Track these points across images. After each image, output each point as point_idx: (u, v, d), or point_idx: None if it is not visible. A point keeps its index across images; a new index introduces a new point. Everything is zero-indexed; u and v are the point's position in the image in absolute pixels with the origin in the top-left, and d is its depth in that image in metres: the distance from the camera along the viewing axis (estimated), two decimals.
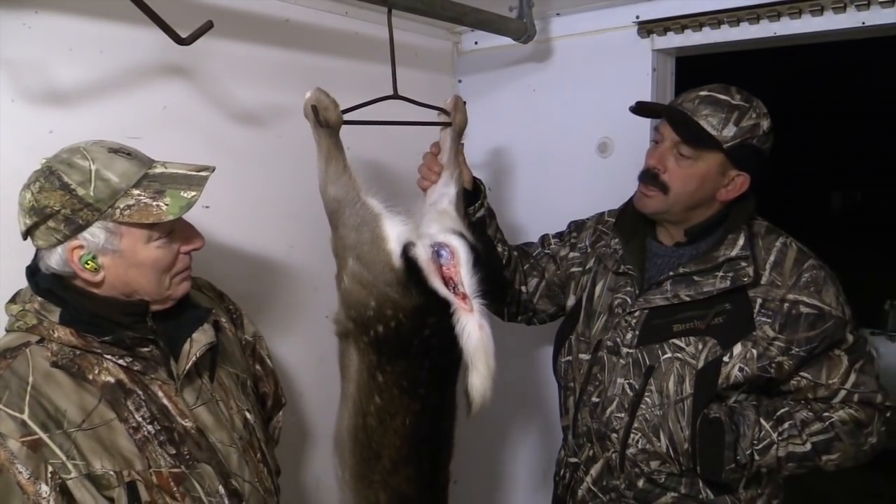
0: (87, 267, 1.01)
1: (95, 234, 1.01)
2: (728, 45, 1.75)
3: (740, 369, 1.35)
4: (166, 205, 1.02)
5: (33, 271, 1.06)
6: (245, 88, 1.54)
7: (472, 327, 1.22)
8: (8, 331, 1.04)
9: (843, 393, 1.36)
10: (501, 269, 1.65)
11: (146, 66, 1.36)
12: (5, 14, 1.16)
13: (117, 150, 1.04)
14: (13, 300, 1.06)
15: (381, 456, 1.32)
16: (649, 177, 1.42)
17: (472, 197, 1.58)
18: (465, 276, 1.26)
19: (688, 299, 1.38)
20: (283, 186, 1.63)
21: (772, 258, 1.38)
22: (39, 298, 1.03)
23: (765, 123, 1.36)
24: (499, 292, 1.68)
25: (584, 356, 1.52)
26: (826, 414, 1.36)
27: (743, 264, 1.36)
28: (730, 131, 1.34)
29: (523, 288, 1.68)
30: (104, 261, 1.03)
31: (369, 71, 1.73)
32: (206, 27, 1.16)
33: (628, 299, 1.47)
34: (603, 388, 1.47)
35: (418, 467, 1.34)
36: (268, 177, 1.61)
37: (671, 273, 1.42)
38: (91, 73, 1.28)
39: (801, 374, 1.36)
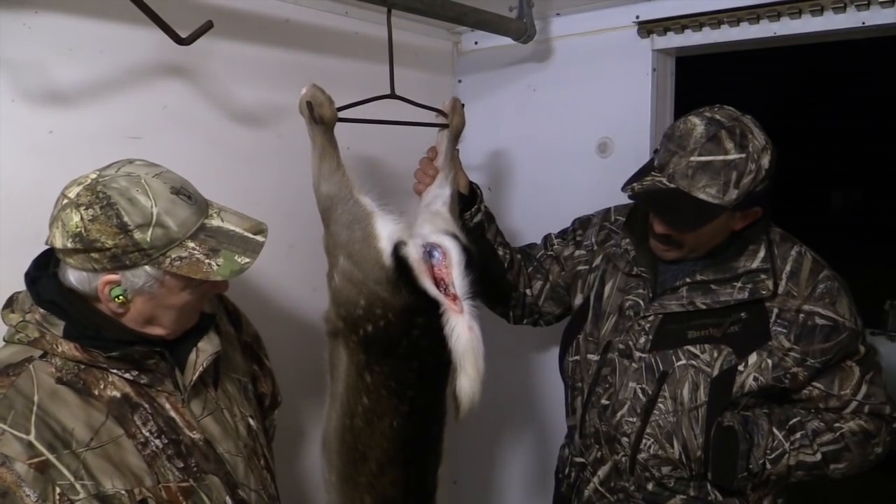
0: (117, 301, 0.98)
1: (137, 275, 0.98)
2: (728, 45, 1.75)
3: (755, 378, 1.34)
4: (218, 265, 1.00)
5: (33, 279, 1.01)
6: (245, 88, 1.54)
7: (462, 329, 1.21)
8: (7, 342, 1.01)
9: (854, 404, 1.36)
10: (504, 273, 1.64)
11: (146, 66, 1.36)
12: (5, 14, 1.16)
13: (179, 192, 1.00)
14: (10, 307, 1.02)
15: (368, 458, 1.30)
16: (660, 238, 1.39)
17: (468, 201, 1.58)
18: (457, 277, 1.25)
19: (703, 307, 1.37)
20: (283, 186, 1.63)
21: (788, 268, 1.37)
22: (41, 310, 0.98)
23: (765, 160, 1.28)
24: (502, 296, 1.67)
25: (593, 356, 1.51)
26: (837, 424, 1.36)
27: (763, 277, 1.35)
28: (732, 195, 1.27)
29: (528, 291, 1.67)
30: (135, 298, 1.00)
31: (369, 71, 1.73)
32: (206, 27, 1.16)
33: (641, 302, 1.46)
34: (613, 390, 1.46)
35: (405, 471, 1.33)
36: (268, 177, 1.61)
37: (688, 280, 1.40)
38: (91, 73, 1.28)
39: (814, 384, 1.36)
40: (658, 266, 1.47)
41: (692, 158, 1.28)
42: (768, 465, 1.35)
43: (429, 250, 1.27)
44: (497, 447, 2.30)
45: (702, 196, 1.27)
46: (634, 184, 1.34)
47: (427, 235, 1.30)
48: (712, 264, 1.40)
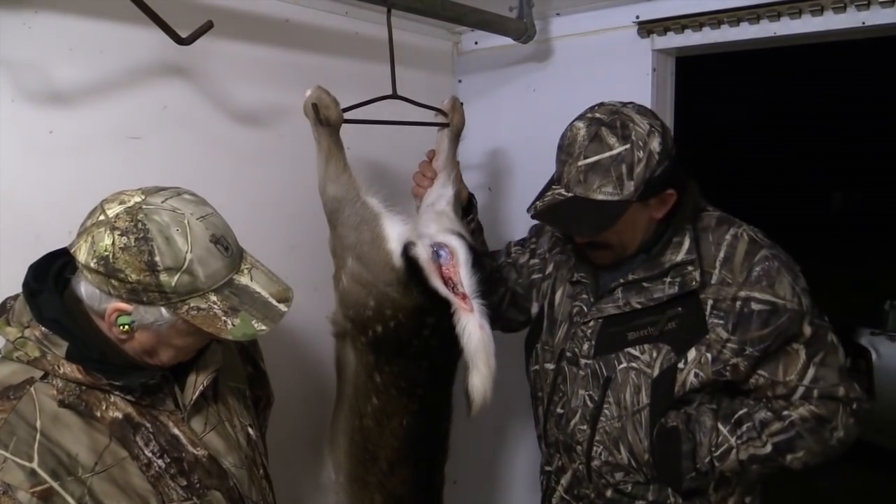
0: (121, 328, 0.95)
1: (150, 312, 0.95)
2: (728, 45, 1.75)
3: (696, 375, 1.31)
4: (233, 325, 0.96)
5: (33, 292, 0.97)
6: (245, 88, 1.54)
7: (473, 327, 1.22)
8: (4, 357, 0.96)
9: (801, 389, 1.30)
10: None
11: (146, 66, 1.36)
12: (5, 14, 1.16)
13: (218, 241, 0.97)
14: (5, 317, 0.98)
15: (378, 458, 1.32)
16: (586, 246, 1.39)
17: (464, 211, 1.59)
18: (465, 276, 1.27)
19: (639, 306, 1.34)
20: (283, 186, 1.63)
21: (721, 254, 1.32)
22: (42, 327, 0.94)
23: (654, 144, 1.25)
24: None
25: (550, 365, 1.50)
26: (786, 412, 1.31)
27: (689, 269, 1.31)
28: (629, 187, 1.24)
29: (494, 298, 1.66)
30: (140, 331, 0.97)
31: (369, 71, 1.73)
32: (206, 27, 1.17)
33: (584, 308, 1.44)
34: (566, 399, 1.45)
35: (415, 469, 1.34)
36: (268, 177, 1.61)
37: (621, 280, 1.37)
38: (91, 73, 1.28)
39: (759, 372, 1.31)
40: (598, 270, 1.44)
41: (580, 163, 1.26)
42: (716, 463, 1.31)
43: (436, 250, 1.28)
44: (497, 447, 2.30)
45: (599, 197, 1.25)
46: (537, 202, 1.32)
47: (434, 235, 1.31)
48: (644, 261, 1.36)
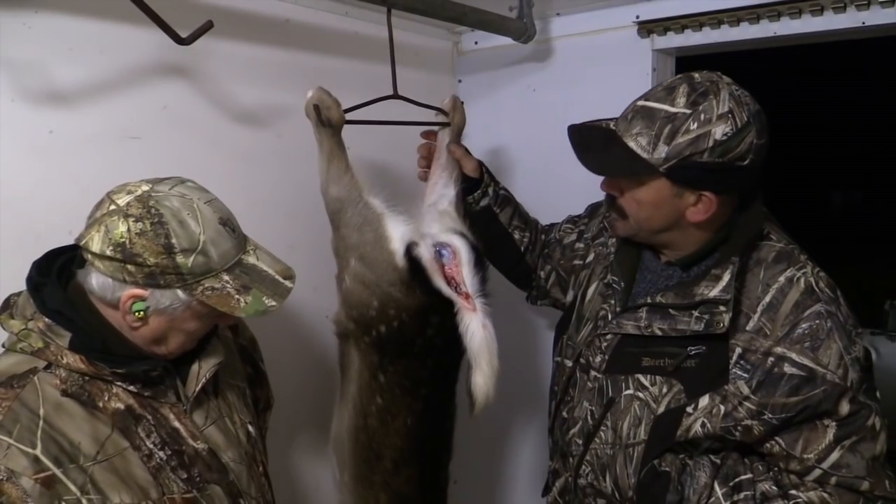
0: (136, 315, 0.97)
1: (165, 296, 0.97)
2: (728, 45, 1.75)
3: (703, 424, 1.18)
4: (246, 303, 0.99)
5: (36, 285, 0.98)
6: (245, 88, 1.54)
7: (476, 327, 1.23)
8: (8, 350, 0.98)
9: (817, 472, 1.14)
10: (519, 257, 1.62)
11: (146, 66, 1.36)
12: (5, 14, 1.16)
13: (225, 223, 1.01)
14: (7, 311, 0.99)
15: (383, 457, 1.32)
16: (607, 202, 1.31)
17: (475, 184, 1.57)
18: (467, 275, 1.28)
19: (660, 333, 1.22)
20: (283, 186, 1.63)
21: (767, 299, 1.17)
22: (46, 318, 0.96)
23: (718, 131, 1.09)
24: (521, 278, 1.68)
25: (568, 362, 1.42)
26: (793, 492, 1.15)
27: (721, 309, 1.16)
28: (661, 152, 1.11)
29: (542, 273, 1.64)
30: (153, 316, 0.99)
31: (369, 71, 1.73)
32: (206, 27, 1.17)
33: (609, 315, 1.34)
34: (572, 405, 1.39)
35: (419, 467, 1.35)
36: (268, 177, 1.61)
37: (648, 300, 1.26)
38: (91, 73, 1.28)
39: (777, 438, 1.16)
40: (636, 276, 1.34)
41: (639, 101, 1.17)
42: None
43: (438, 250, 1.29)
44: (498, 447, 2.30)
45: (631, 143, 1.14)
46: (588, 121, 1.26)
47: (436, 235, 1.32)
48: (678, 284, 1.25)
